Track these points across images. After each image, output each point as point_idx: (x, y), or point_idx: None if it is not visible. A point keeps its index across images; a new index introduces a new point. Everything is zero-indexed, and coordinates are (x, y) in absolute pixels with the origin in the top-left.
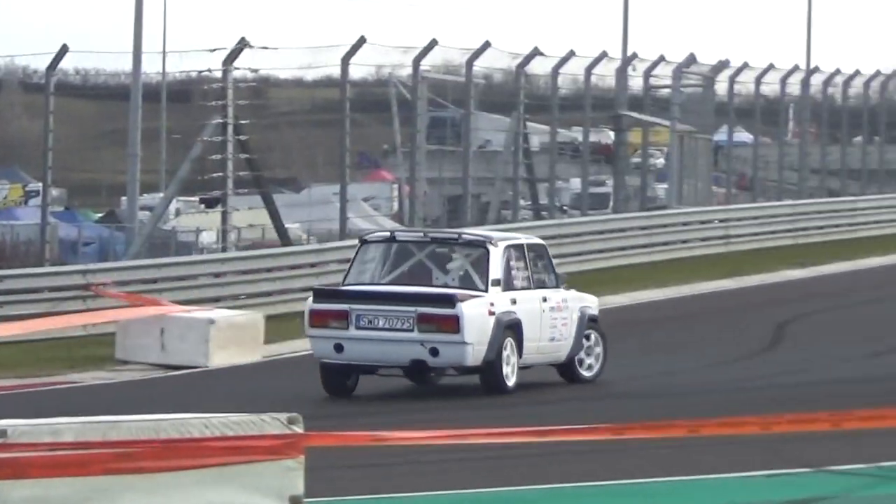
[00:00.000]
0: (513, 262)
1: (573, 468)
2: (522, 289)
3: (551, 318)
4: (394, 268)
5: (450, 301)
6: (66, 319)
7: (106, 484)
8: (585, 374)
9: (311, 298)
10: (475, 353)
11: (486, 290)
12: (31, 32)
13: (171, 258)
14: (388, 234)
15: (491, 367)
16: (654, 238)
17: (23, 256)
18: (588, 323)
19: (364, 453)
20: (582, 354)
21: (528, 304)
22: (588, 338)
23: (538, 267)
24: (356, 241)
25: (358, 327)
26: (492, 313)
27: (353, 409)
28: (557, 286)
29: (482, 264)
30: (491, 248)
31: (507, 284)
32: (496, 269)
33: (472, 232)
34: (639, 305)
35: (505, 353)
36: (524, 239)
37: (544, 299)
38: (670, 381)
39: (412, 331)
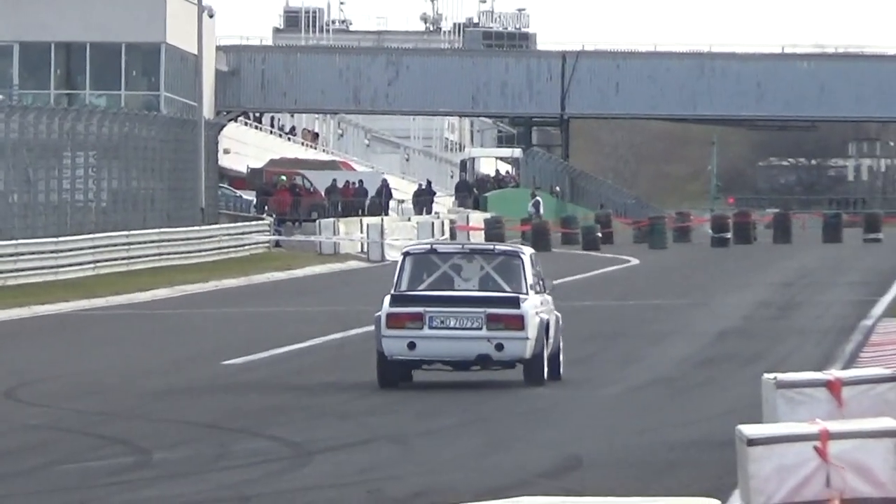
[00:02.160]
0: (534, 269)
1: None
2: (537, 293)
3: (554, 318)
4: (442, 276)
5: (515, 302)
6: None
7: None
8: (562, 371)
9: (386, 303)
10: (531, 347)
11: (528, 294)
12: None
13: None
14: (428, 246)
15: (537, 359)
16: None
17: None
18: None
19: None
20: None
21: (545, 306)
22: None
23: (539, 273)
24: None
25: (431, 327)
26: (536, 313)
27: None
28: (545, 290)
29: (519, 271)
30: (523, 256)
31: (535, 288)
32: (530, 275)
33: (501, 244)
34: None
35: (546, 348)
36: (531, 248)
37: (549, 302)
38: None
39: (481, 329)
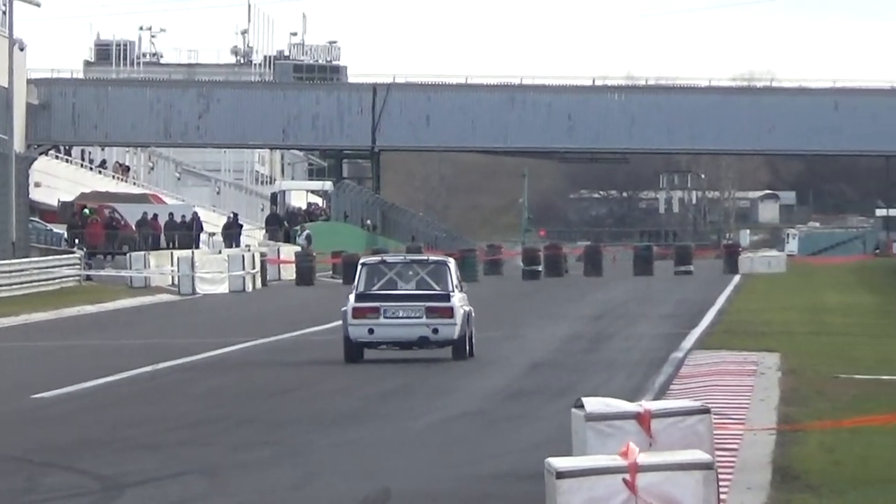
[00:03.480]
0: (457, 274)
1: None
2: (460, 291)
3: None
4: (389, 280)
5: (447, 298)
6: None
7: None
8: (473, 350)
9: (351, 300)
10: (458, 331)
11: (454, 292)
12: None
13: None
14: (380, 258)
15: (462, 341)
16: None
17: None
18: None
19: None
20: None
21: (464, 302)
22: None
23: (459, 277)
24: None
25: (385, 317)
26: (461, 306)
27: None
28: (462, 290)
29: (447, 275)
30: (450, 265)
31: (458, 288)
32: (455, 278)
33: (433, 255)
34: None
35: (468, 333)
36: (453, 259)
37: (465, 299)
38: None
39: (422, 318)
